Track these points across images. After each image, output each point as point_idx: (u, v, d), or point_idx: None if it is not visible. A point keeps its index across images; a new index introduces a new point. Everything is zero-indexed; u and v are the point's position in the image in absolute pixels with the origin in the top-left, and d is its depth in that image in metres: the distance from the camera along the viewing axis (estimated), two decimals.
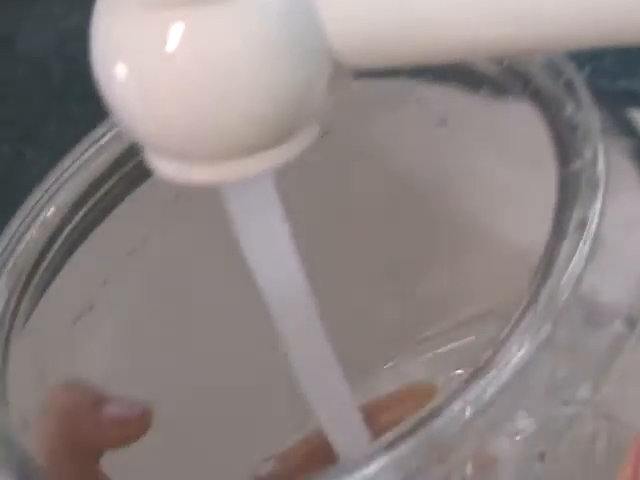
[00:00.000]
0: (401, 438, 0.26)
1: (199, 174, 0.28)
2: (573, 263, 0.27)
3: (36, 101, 0.65)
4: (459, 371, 0.38)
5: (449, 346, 0.48)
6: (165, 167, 0.28)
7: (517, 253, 0.40)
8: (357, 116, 0.39)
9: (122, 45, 0.26)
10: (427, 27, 0.26)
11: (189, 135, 0.26)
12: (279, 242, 0.30)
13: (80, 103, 0.62)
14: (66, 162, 0.38)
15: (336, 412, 0.34)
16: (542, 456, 0.28)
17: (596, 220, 0.28)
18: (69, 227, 0.38)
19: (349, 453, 0.33)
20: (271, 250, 0.30)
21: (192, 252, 0.42)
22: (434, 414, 0.26)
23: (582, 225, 0.28)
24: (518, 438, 0.27)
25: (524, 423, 0.27)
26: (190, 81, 0.25)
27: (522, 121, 0.34)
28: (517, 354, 0.27)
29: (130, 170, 0.39)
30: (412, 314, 0.47)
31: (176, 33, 0.25)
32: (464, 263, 0.47)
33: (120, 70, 0.26)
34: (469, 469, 0.27)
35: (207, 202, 0.38)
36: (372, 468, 0.26)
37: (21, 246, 0.36)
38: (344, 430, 0.34)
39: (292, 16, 0.26)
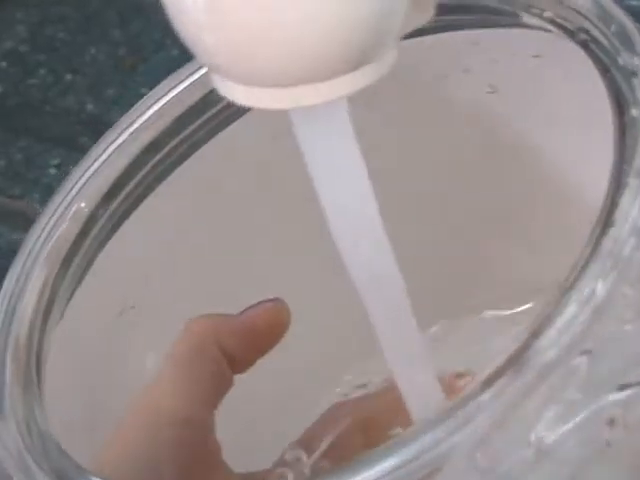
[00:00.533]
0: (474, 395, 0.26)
1: (279, 100, 0.27)
2: (636, 210, 0.27)
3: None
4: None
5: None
6: (239, 93, 0.27)
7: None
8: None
9: None
10: None
11: (268, 56, 0.25)
12: (351, 172, 0.29)
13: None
14: (94, 152, 0.38)
15: (412, 367, 0.33)
16: (612, 422, 0.26)
17: None
18: (102, 219, 0.37)
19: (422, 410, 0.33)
20: (342, 181, 0.29)
21: (224, 237, 0.42)
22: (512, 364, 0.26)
23: None
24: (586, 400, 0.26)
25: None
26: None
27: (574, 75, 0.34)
28: (581, 309, 0.26)
29: (162, 158, 0.39)
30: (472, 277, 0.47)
31: None
32: (522, 231, 0.46)
33: None
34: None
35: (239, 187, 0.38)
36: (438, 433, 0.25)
37: (53, 239, 0.36)
38: (419, 385, 0.34)
39: None
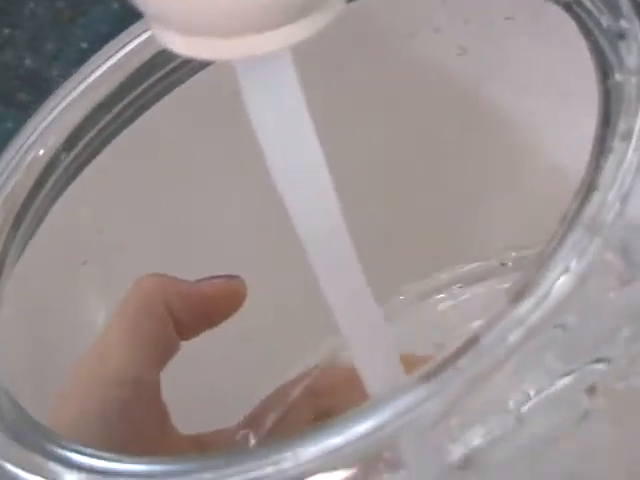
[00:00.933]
0: (438, 370, 0.26)
1: (223, 50, 0.26)
2: (621, 174, 0.26)
3: None
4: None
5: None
6: (182, 45, 0.27)
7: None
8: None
9: None
10: None
11: (214, 7, 0.25)
12: (298, 127, 0.29)
13: None
14: (53, 101, 0.38)
15: (362, 328, 0.33)
16: (592, 389, 0.27)
17: None
18: (56, 172, 0.37)
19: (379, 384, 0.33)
20: (289, 137, 0.29)
21: (190, 188, 0.42)
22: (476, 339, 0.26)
23: (629, 135, 0.27)
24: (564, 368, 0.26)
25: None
26: None
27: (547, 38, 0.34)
28: (562, 275, 0.26)
29: (119, 111, 0.39)
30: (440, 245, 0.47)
31: None
32: (491, 197, 0.47)
33: None
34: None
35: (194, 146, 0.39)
36: (411, 398, 0.25)
37: (7, 190, 0.36)
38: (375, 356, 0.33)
39: None
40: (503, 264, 0.48)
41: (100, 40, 0.50)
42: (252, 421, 0.39)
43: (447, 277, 0.48)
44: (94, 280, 0.40)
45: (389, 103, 0.43)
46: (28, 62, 0.57)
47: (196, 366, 0.40)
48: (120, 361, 0.35)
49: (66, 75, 0.39)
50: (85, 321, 0.39)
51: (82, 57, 0.52)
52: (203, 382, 0.42)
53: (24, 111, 0.42)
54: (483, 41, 0.42)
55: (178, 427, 0.37)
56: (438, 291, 0.48)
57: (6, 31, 0.59)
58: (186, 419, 0.38)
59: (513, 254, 0.47)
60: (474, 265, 0.48)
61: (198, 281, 0.37)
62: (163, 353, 0.37)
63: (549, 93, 0.41)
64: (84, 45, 0.54)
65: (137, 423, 0.35)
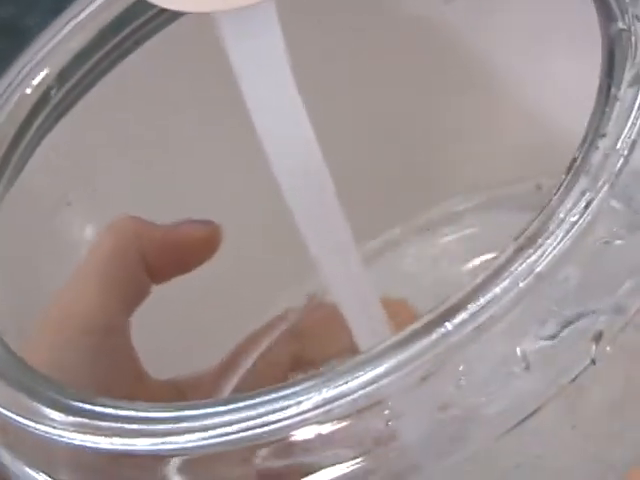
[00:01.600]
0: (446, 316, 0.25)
1: (202, 2, 0.28)
2: (630, 122, 0.26)
3: None
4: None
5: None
6: None
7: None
8: None
9: None
10: None
11: None
12: (281, 79, 0.29)
13: None
14: (42, 40, 0.38)
15: (343, 273, 0.33)
16: (599, 337, 0.26)
17: None
18: (42, 114, 0.37)
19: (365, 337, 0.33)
20: (273, 89, 0.30)
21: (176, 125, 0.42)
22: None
23: (636, 81, 0.27)
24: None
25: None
26: None
27: None
28: (569, 223, 0.25)
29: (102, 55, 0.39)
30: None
31: None
32: (474, 144, 0.47)
33: None
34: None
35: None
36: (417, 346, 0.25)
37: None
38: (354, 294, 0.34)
39: None
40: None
41: None
42: (228, 365, 0.40)
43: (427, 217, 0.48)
44: (77, 220, 0.40)
45: (374, 49, 0.43)
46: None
47: (168, 309, 0.40)
48: (89, 308, 0.36)
49: (41, 25, 0.39)
50: (69, 260, 0.38)
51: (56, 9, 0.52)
52: (175, 325, 0.42)
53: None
54: None
55: (150, 372, 0.37)
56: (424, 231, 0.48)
57: None
58: (159, 364, 0.38)
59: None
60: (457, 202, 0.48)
61: (174, 224, 0.37)
62: (134, 298, 0.37)
63: (529, 44, 0.41)
64: None
65: (109, 369, 0.35)
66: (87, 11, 0.37)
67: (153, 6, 0.36)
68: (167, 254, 0.37)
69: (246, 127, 0.30)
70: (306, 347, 0.39)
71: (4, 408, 0.28)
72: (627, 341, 0.27)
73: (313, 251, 0.32)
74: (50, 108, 0.36)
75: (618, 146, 0.26)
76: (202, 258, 0.38)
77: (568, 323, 0.26)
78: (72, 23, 0.37)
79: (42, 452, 0.28)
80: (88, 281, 0.36)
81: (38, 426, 0.27)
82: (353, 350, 0.32)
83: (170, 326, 0.41)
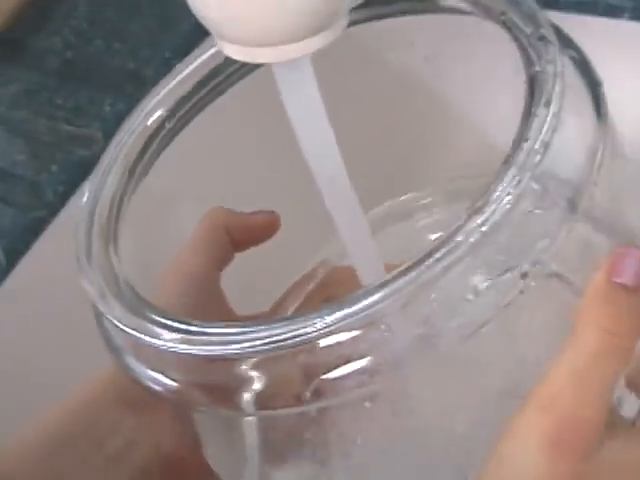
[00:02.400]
0: (419, 261, 0.25)
1: (263, 56, 0.27)
2: (543, 130, 0.25)
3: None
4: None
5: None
6: (233, 50, 0.27)
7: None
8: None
9: None
10: None
11: (255, 27, 0.26)
12: (316, 110, 0.29)
13: None
14: (159, 87, 0.36)
15: (356, 236, 0.32)
16: (525, 275, 0.26)
17: (559, 100, 0.26)
18: (155, 142, 0.35)
19: (368, 276, 0.32)
20: (309, 115, 0.29)
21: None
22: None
23: (548, 104, 0.26)
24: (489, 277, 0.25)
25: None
26: None
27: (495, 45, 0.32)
28: (504, 198, 0.25)
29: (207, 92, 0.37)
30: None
31: None
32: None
33: None
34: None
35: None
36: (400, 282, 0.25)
37: (124, 151, 0.34)
38: (363, 249, 0.32)
39: None
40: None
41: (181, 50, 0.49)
42: (277, 308, 0.39)
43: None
44: (184, 209, 0.40)
45: (368, 94, 0.43)
46: (131, 65, 0.56)
47: (243, 269, 0.39)
48: (194, 266, 0.35)
49: (157, 76, 0.38)
50: (179, 236, 0.38)
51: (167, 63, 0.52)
52: (247, 280, 0.42)
53: (129, 97, 0.41)
54: (444, 52, 0.41)
55: (235, 309, 0.37)
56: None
57: (117, 45, 0.57)
58: (238, 305, 0.38)
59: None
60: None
61: (250, 213, 0.37)
62: (223, 260, 0.36)
63: (476, 82, 0.40)
64: (168, 54, 0.53)
65: (206, 306, 0.35)
66: (187, 70, 0.36)
67: (232, 65, 0.36)
68: (245, 232, 0.37)
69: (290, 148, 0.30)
70: (334, 293, 0.38)
71: (134, 331, 0.27)
72: (543, 281, 0.27)
73: (337, 225, 0.31)
74: (163, 134, 0.35)
75: (536, 147, 0.25)
76: (268, 235, 0.38)
77: (504, 266, 0.25)
78: (178, 78, 0.36)
79: (157, 358, 0.28)
80: (194, 250, 0.36)
81: (154, 341, 0.27)
82: None
83: (244, 281, 0.41)
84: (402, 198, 0.44)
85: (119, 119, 0.44)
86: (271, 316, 0.39)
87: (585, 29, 0.39)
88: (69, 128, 0.46)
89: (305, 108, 0.29)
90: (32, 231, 0.49)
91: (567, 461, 0.24)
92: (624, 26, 0.41)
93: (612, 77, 0.36)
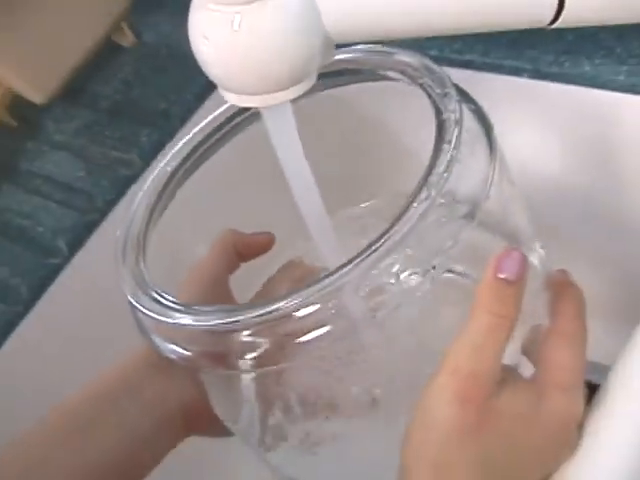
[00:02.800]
0: (361, 253, 0.25)
1: (251, 102, 0.27)
2: (447, 161, 0.26)
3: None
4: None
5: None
6: (232, 97, 0.27)
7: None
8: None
9: (207, 28, 0.25)
10: (387, 19, 0.26)
11: (246, 79, 0.26)
12: (295, 146, 0.29)
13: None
14: (180, 134, 0.37)
15: (323, 234, 0.32)
16: (434, 268, 0.26)
17: (457, 142, 0.26)
18: (180, 171, 0.35)
19: (331, 261, 0.32)
20: (290, 150, 0.29)
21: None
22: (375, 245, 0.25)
23: (450, 141, 0.26)
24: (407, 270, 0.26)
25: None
26: (246, 47, 0.24)
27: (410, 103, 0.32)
28: (419, 210, 0.25)
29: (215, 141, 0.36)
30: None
31: (239, 19, 0.24)
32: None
33: (204, 43, 0.25)
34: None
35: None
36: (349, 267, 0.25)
37: (151, 184, 0.34)
38: (327, 243, 0.32)
39: (301, 8, 0.25)
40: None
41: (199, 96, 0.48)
42: (262, 294, 0.38)
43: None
44: (196, 235, 0.39)
45: (337, 132, 0.42)
46: (162, 105, 0.54)
47: (241, 276, 0.38)
48: (209, 271, 0.35)
49: (181, 114, 0.38)
50: (192, 253, 0.38)
51: (189, 105, 0.50)
52: (243, 281, 0.39)
53: (161, 130, 0.40)
54: (376, 109, 0.40)
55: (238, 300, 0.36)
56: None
57: (151, 91, 0.56)
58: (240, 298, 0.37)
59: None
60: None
61: (252, 234, 0.37)
62: (231, 267, 0.36)
63: (411, 125, 0.37)
64: (189, 98, 0.51)
65: (218, 299, 0.35)
66: (202, 124, 0.35)
67: (226, 125, 0.35)
68: (248, 247, 0.36)
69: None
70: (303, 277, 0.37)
71: (156, 315, 0.28)
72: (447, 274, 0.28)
73: (309, 227, 0.31)
74: (178, 177, 0.35)
75: (441, 170, 0.25)
76: (265, 250, 0.37)
77: (419, 262, 0.26)
78: (193, 131, 0.35)
79: (173, 335, 0.28)
80: (210, 259, 0.36)
81: (170, 321, 0.27)
82: None
83: (240, 281, 0.39)
84: (360, 205, 0.42)
85: (153, 147, 0.44)
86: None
87: (492, 85, 0.41)
88: (115, 153, 0.46)
89: (285, 140, 0.28)
90: (87, 229, 0.49)
91: (472, 410, 0.24)
92: (524, 83, 0.40)
93: (512, 122, 0.39)
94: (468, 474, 0.24)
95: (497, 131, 0.30)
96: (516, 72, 0.39)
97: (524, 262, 0.25)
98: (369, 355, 0.31)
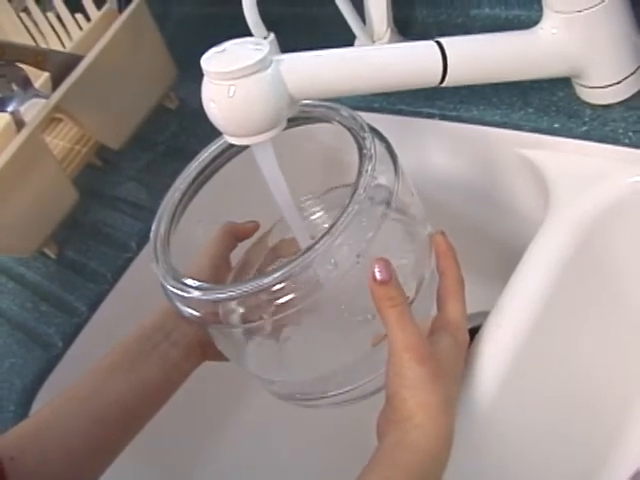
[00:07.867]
0: (321, 238, 0.25)
1: (244, 141, 0.27)
2: (368, 180, 0.26)
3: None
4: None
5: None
6: (232, 139, 0.27)
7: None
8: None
9: (212, 95, 0.26)
10: (331, 85, 0.27)
11: (240, 128, 0.26)
12: (276, 175, 0.28)
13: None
14: (192, 165, 0.34)
15: (293, 220, 0.30)
16: (359, 256, 0.26)
17: (372, 167, 0.27)
18: (191, 188, 0.33)
19: (302, 240, 0.31)
20: (274, 178, 0.28)
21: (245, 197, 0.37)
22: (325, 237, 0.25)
23: (368, 168, 0.27)
24: (345, 250, 0.26)
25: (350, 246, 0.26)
26: (239, 107, 0.25)
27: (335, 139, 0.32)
28: (351, 209, 0.26)
29: (209, 173, 0.34)
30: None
31: (234, 89, 0.25)
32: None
33: (212, 105, 0.26)
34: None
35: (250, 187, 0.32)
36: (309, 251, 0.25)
37: (167, 202, 0.32)
38: (297, 227, 0.31)
39: (274, 81, 0.26)
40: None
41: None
42: (239, 271, 0.35)
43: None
44: (204, 231, 0.36)
45: (299, 160, 0.35)
46: (181, 140, 0.54)
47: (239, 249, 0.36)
48: (215, 250, 0.34)
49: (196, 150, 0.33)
50: (200, 242, 0.36)
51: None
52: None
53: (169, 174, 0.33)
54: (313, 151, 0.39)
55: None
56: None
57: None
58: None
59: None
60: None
61: (244, 222, 0.35)
62: (230, 247, 0.35)
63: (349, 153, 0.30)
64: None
65: (221, 270, 0.33)
66: (207, 151, 0.33)
67: (222, 155, 0.33)
68: (242, 232, 0.35)
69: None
70: (279, 254, 0.35)
71: (180, 291, 0.27)
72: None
73: (285, 215, 0.29)
74: (189, 194, 0.33)
75: (366, 184, 0.26)
76: (252, 233, 0.35)
77: (351, 248, 0.26)
78: (201, 157, 0.33)
79: (188, 302, 0.28)
80: (215, 241, 0.34)
81: (186, 294, 0.27)
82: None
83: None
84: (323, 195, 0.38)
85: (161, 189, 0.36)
86: (239, 267, 0.35)
87: (415, 125, 0.39)
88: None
89: (269, 167, 0.28)
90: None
91: (425, 360, 0.25)
92: (435, 123, 0.39)
93: (427, 150, 0.39)
94: (446, 398, 0.25)
95: (417, 155, 0.33)
96: (430, 116, 0.39)
97: (388, 265, 0.25)
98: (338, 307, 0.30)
